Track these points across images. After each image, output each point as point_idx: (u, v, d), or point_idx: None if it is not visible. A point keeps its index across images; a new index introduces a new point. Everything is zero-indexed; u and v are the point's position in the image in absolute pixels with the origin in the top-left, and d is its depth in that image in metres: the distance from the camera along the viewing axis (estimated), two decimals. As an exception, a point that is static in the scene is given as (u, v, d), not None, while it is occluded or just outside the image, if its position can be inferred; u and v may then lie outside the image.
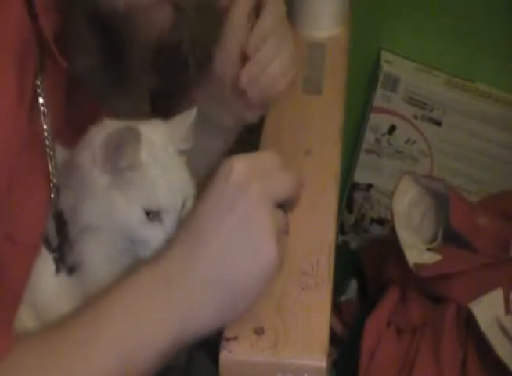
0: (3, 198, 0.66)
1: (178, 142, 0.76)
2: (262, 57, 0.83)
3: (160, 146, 0.75)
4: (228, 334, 0.73)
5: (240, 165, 0.70)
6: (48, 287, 0.74)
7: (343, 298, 1.32)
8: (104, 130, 0.73)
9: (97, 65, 0.75)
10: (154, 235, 0.74)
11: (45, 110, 0.73)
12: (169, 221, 0.74)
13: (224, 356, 0.73)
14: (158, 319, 0.68)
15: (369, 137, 1.38)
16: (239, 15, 0.83)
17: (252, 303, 0.70)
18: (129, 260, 0.75)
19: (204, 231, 0.70)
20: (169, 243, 0.71)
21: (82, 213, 0.73)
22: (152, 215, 0.74)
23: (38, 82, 0.72)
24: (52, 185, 0.74)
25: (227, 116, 0.90)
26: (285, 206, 0.73)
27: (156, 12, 0.74)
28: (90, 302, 0.70)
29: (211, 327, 0.70)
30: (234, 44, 0.84)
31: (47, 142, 0.74)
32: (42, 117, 0.73)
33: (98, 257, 0.75)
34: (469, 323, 1.05)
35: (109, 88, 0.76)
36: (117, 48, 0.74)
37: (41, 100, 0.73)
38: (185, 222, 0.72)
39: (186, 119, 0.77)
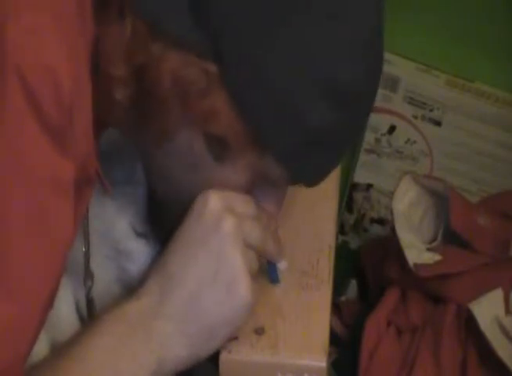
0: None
1: None
2: None
3: None
4: (228, 334, 0.74)
5: (216, 200, 0.69)
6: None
7: (343, 298, 1.31)
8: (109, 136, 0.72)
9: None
10: (138, 249, 0.73)
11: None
12: (155, 241, 0.74)
13: (224, 356, 0.73)
14: (136, 361, 0.68)
15: (369, 137, 1.38)
16: None
17: (228, 336, 0.71)
18: (115, 271, 0.74)
19: (175, 270, 0.69)
20: (143, 283, 0.71)
21: None
22: (139, 232, 0.73)
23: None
24: None
25: None
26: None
27: None
28: (73, 339, 0.70)
29: (188, 362, 0.71)
30: None
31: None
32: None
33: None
34: (469, 323, 1.05)
35: None
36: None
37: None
38: (159, 260, 0.71)
39: None
